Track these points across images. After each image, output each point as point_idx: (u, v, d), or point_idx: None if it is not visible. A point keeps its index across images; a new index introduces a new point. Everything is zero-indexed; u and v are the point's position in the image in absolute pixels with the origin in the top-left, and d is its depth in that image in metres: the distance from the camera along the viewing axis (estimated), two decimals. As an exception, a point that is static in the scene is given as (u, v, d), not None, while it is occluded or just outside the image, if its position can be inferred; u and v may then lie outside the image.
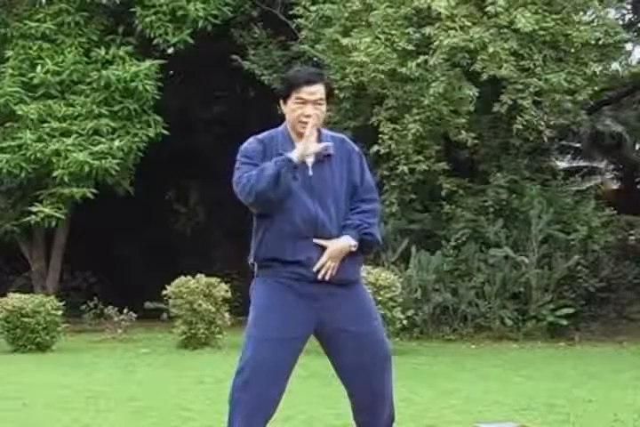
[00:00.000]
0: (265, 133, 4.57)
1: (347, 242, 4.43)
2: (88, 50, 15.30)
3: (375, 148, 13.67)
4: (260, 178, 4.33)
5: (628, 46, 16.69)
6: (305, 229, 4.40)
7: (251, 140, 4.56)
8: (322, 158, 4.50)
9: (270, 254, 4.44)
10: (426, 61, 13.20)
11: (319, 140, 4.53)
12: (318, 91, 4.45)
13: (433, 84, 13.18)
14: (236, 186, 4.45)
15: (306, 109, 4.44)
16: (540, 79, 13.40)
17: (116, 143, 14.74)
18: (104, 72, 14.86)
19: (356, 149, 4.67)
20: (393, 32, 13.42)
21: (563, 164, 23.09)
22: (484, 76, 13.18)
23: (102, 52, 15.10)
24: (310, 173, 4.47)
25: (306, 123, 4.44)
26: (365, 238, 4.50)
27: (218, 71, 17.68)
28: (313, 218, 4.42)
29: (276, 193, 4.34)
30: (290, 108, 4.47)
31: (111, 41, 15.50)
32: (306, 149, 4.38)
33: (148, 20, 15.02)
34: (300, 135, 4.48)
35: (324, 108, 4.50)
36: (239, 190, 4.43)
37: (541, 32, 13.32)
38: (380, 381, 4.53)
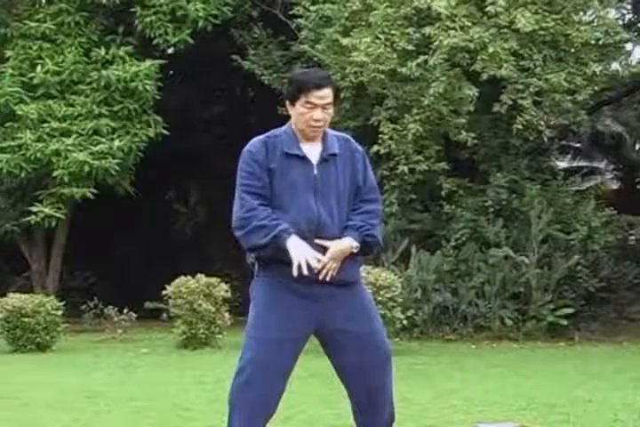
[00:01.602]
0: (269, 133, 4.55)
1: (348, 243, 4.42)
2: (88, 50, 15.31)
3: (375, 148, 13.67)
4: (254, 234, 4.37)
5: (628, 46, 16.70)
6: (307, 229, 4.39)
7: (253, 141, 4.53)
8: (327, 157, 4.50)
9: (271, 254, 4.44)
10: (426, 61, 13.20)
11: (324, 140, 4.53)
12: (327, 95, 4.44)
13: (433, 84, 13.18)
14: (235, 210, 4.44)
15: (315, 113, 4.43)
16: (539, 79, 13.40)
17: (116, 143, 14.74)
18: (104, 72, 14.87)
19: (360, 148, 4.65)
20: (393, 32, 13.42)
21: (563, 164, 23.10)
22: (484, 76, 13.18)
23: (102, 52, 15.10)
24: (315, 172, 4.46)
25: (315, 127, 4.45)
26: (367, 240, 4.49)
27: (218, 71, 17.70)
28: (315, 218, 4.41)
29: (264, 251, 4.40)
30: (299, 112, 4.45)
31: (111, 41, 15.51)
32: (304, 260, 4.30)
33: (147, 20, 15.02)
34: (309, 138, 4.49)
35: (331, 111, 4.50)
36: (234, 218, 4.44)
37: (541, 32, 13.31)
38: (381, 381, 4.53)
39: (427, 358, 11.28)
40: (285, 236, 4.32)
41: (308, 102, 4.42)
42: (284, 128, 4.55)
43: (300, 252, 4.30)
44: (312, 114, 4.43)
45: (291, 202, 4.42)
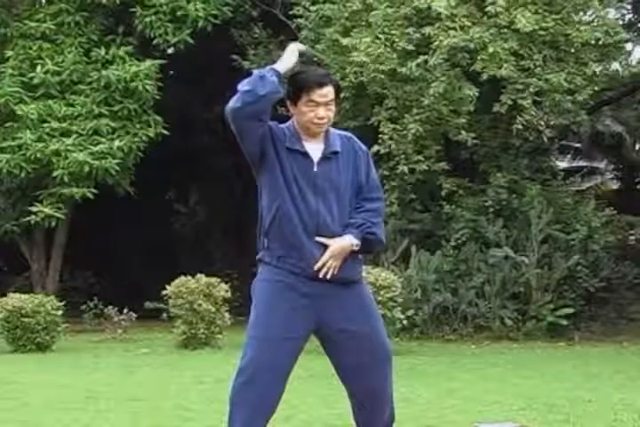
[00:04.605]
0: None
1: (349, 241, 4.41)
2: (88, 50, 15.30)
3: (375, 148, 13.65)
4: (248, 81, 4.40)
5: (628, 46, 16.71)
6: (307, 227, 4.39)
7: None
8: (328, 155, 4.48)
9: (272, 252, 4.44)
10: (426, 61, 13.20)
11: (326, 138, 4.51)
12: (329, 92, 4.43)
13: (433, 84, 13.18)
14: (230, 104, 4.40)
15: (318, 112, 4.41)
16: (540, 79, 13.40)
17: (116, 143, 14.74)
18: (104, 72, 14.86)
19: (363, 147, 4.63)
20: (393, 32, 13.42)
21: (563, 164, 23.09)
22: (484, 76, 13.17)
23: (102, 52, 15.10)
24: (315, 169, 4.44)
25: (319, 125, 4.44)
26: (368, 238, 4.47)
27: (218, 71, 17.68)
28: (314, 215, 4.39)
29: (263, 90, 4.31)
30: (301, 111, 4.43)
31: (111, 41, 15.51)
32: (289, 62, 4.47)
33: (147, 20, 15.02)
34: (311, 135, 4.47)
35: (334, 108, 4.47)
36: (227, 111, 4.38)
37: (541, 32, 13.31)
38: (381, 381, 4.53)
39: (427, 358, 11.28)
40: (274, 64, 4.45)
41: (310, 101, 4.41)
42: (286, 125, 4.53)
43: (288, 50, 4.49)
44: (315, 113, 4.41)
45: (290, 199, 4.39)
